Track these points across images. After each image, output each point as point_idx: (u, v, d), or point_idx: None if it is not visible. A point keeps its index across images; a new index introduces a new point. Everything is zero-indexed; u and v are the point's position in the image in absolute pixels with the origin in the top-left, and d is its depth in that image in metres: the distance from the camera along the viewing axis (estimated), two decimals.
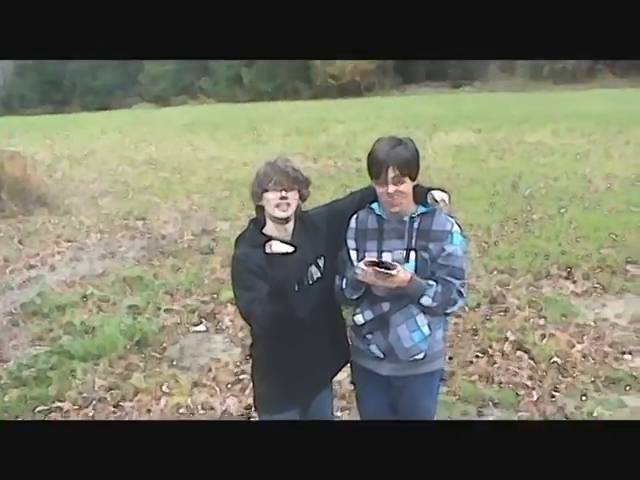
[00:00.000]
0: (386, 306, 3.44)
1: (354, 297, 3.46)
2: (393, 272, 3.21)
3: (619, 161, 14.64)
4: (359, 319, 3.53)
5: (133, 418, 5.42)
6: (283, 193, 3.38)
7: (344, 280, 3.47)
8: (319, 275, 3.55)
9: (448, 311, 3.50)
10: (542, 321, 6.84)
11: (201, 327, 7.05)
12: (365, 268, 3.24)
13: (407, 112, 22.02)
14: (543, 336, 6.45)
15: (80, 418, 5.42)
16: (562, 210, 10.90)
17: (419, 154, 3.40)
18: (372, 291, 3.42)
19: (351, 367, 3.81)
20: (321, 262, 3.56)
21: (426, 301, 3.35)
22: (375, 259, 3.31)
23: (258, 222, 3.56)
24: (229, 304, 7.41)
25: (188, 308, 7.44)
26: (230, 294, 7.61)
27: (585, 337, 6.47)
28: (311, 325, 3.49)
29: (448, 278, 3.38)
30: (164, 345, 6.62)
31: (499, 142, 17.12)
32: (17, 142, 17.70)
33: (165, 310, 7.38)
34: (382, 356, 3.51)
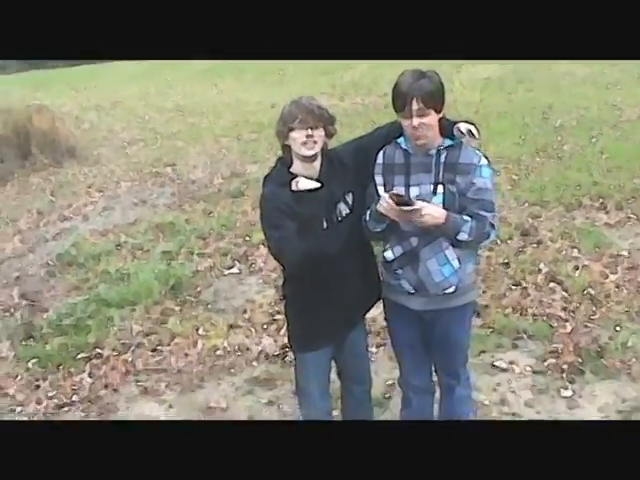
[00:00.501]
0: (415, 241, 3.45)
1: (377, 230, 3.47)
2: (416, 206, 3.20)
3: None
4: (389, 255, 3.54)
5: (171, 362, 5.53)
6: (309, 131, 3.38)
7: (368, 212, 3.48)
8: (348, 211, 3.56)
9: (481, 244, 3.51)
10: (575, 252, 6.81)
11: (234, 269, 7.11)
12: (388, 201, 3.24)
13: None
14: (576, 267, 6.43)
15: (120, 364, 5.53)
16: (593, 140, 10.74)
17: (444, 86, 3.37)
18: (400, 227, 3.42)
19: (383, 303, 3.84)
20: (349, 198, 3.57)
21: (462, 236, 3.36)
22: (395, 192, 3.29)
23: (285, 161, 3.56)
24: (261, 246, 7.43)
25: (221, 251, 7.49)
26: (262, 236, 7.65)
27: (619, 267, 6.44)
28: (342, 261, 3.51)
29: (480, 212, 3.38)
30: (198, 289, 6.70)
31: (527, 73, 16.82)
32: (43, 96, 17.71)
33: (198, 254, 7.44)
34: (413, 291, 3.53)
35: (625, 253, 6.75)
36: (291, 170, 3.51)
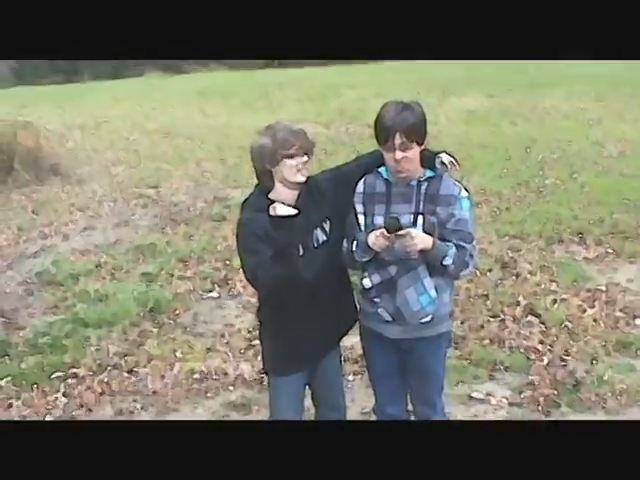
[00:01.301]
0: (393, 270, 3.46)
1: (364, 259, 3.47)
2: (411, 232, 3.22)
3: (633, 125, 14.51)
4: (367, 283, 3.55)
5: (148, 384, 5.49)
6: (305, 158, 3.44)
7: (354, 243, 3.48)
8: (325, 238, 3.58)
9: (461, 274, 3.52)
10: (554, 286, 6.86)
11: (214, 293, 7.10)
12: (381, 232, 3.26)
13: (419, 76, 21.85)
14: (554, 301, 6.47)
15: (95, 384, 5.49)
16: (574, 175, 10.85)
17: (426, 118, 3.40)
18: (380, 255, 3.44)
19: (360, 331, 3.85)
20: (327, 226, 3.59)
21: (447, 261, 3.37)
22: (391, 216, 3.31)
23: (263, 187, 3.56)
24: (241, 270, 7.43)
25: (201, 275, 7.49)
26: None
27: (596, 302, 6.48)
28: (317, 288, 3.51)
29: (459, 243, 3.41)
30: (177, 312, 6.68)
31: (511, 107, 16.99)
32: (29, 112, 17.70)
33: (178, 277, 7.43)
34: (390, 319, 3.55)
35: (603, 288, 6.79)
36: (270, 196, 3.52)
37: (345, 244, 3.57)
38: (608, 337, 5.87)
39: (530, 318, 6.21)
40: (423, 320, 3.52)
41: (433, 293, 3.48)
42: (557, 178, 10.74)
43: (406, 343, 3.63)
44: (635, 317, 6.24)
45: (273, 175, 3.50)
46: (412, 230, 3.27)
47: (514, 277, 7.10)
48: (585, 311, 6.30)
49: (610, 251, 7.77)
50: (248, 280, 3.63)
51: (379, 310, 3.56)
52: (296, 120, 16.32)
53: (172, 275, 7.47)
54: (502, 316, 6.26)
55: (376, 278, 3.52)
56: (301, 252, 3.49)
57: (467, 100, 17.45)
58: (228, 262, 7.76)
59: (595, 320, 6.14)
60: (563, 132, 14.10)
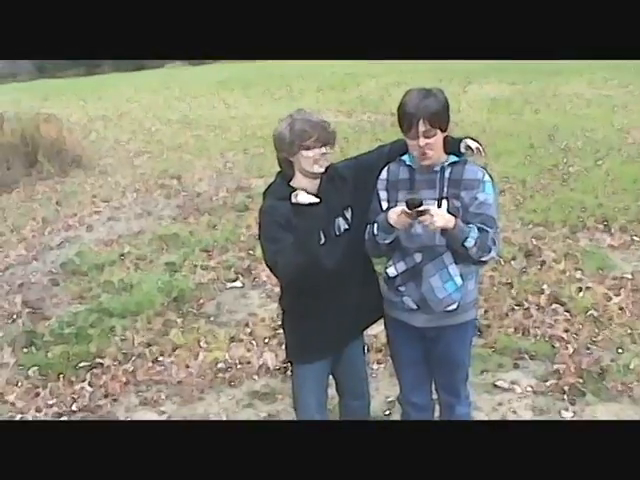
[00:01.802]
0: (418, 257, 3.45)
1: (386, 241, 3.44)
2: (430, 210, 3.21)
3: None
4: (392, 271, 3.54)
5: (172, 373, 5.52)
6: (324, 150, 3.41)
7: (375, 225, 3.45)
8: (346, 227, 3.58)
9: (483, 259, 3.49)
10: (578, 274, 6.81)
11: (237, 283, 7.11)
12: (402, 209, 3.24)
13: (439, 65, 21.75)
14: (579, 289, 6.43)
15: (120, 374, 5.53)
16: (599, 162, 10.76)
17: (449, 105, 3.38)
18: (404, 243, 3.43)
19: (385, 320, 3.84)
20: (348, 214, 3.59)
21: (469, 243, 3.33)
22: (410, 197, 3.29)
23: (285, 175, 3.56)
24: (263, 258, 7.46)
25: (224, 264, 7.50)
26: None
27: (622, 290, 6.43)
28: (339, 276, 3.52)
29: (482, 226, 3.39)
30: (201, 301, 6.70)
31: (534, 94, 16.87)
32: (51, 104, 17.79)
33: (201, 267, 7.45)
34: (416, 307, 3.53)
35: (629, 275, 6.74)
36: (291, 184, 3.51)
37: (369, 229, 3.53)
38: (634, 325, 5.83)
39: (555, 306, 6.17)
40: (449, 308, 3.51)
41: (459, 280, 3.46)
42: (581, 165, 10.66)
43: (431, 331, 3.62)
44: None
45: (293, 164, 3.50)
46: (432, 208, 3.26)
47: (538, 265, 7.05)
48: (610, 299, 6.26)
49: (636, 238, 7.71)
50: (268, 267, 3.60)
51: (404, 298, 3.55)
52: (317, 109, 16.35)
53: (195, 265, 7.49)
54: (527, 304, 6.23)
55: (401, 266, 3.51)
56: (322, 240, 3.48)
57: (489, 88, 17.37)
58: (251, 252, 7.77)
59: (621, 308, 6.10)
60: (586, 119, 13.99)
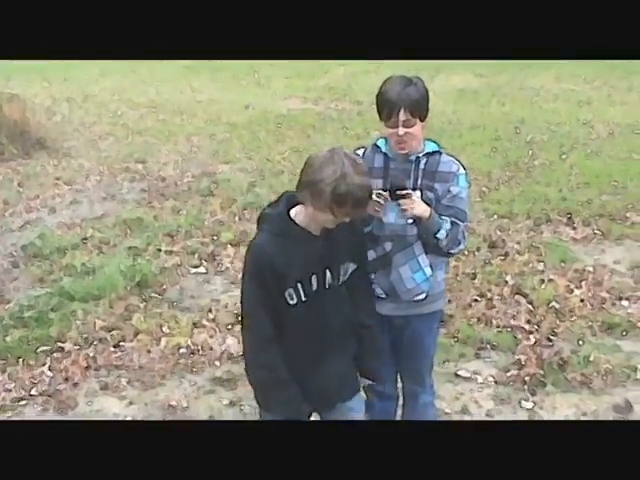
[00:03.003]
0: (389, 246, 3.45)
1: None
2: (412, 194, 3.23)
3: (621, 108, 14.53)
4: None
5: (134, 358, 5.48)
6: (347, 220, 3.00)
7: None
8: (339, 279, 3.18)
9: (452, 251, 3.51)
10: (541, 266, 6.88)
11: (201, 268, 7.07)
12: (381, 193, 3.24)
13: None
14: (542, 281, 6.49)
15: (81, 358, 5.47)
16: (563, 156, 10.85)
17: (428, 94, 3.37)
18: (375, 231, 3.43)
19: None
20: (344, 267, 3.18)
21: (441, 235, 3.36)
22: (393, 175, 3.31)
23: (290, 201, 3.10)
24: (229, 245, 7.45)
25: (188, 250, 7.45)
26: (230, 235, 7.65)
27: (583, 282, 6.51)
28: (323, 337, 3.19)
29: (453, 219, 3.40)
30: (164, 286, 6.65)
31: (501, 87, 16.96)
32: (15, 85, 17.52)
33: (165, 252, 7.39)
34: (384, 296, 3.53)
35: (590, 268, 6.82)
36: (293, 217, 3.06)
37: None
38: (594, 317, 5.91)
39: (517, 297, 6.22)
40: (417, 298, 3.52)
41: (428, 271, 3.47)
42: (546, 159, 10.74)
43: (399, 320, 3.62)
44: (621, 298, 6.28)
45: (308, 204, 2.99)
46: (415, 193, 3.27)
47: (502, 256, 7.11)
48: (572, 291, 6.32)
49: (598, 232, 7.80)
50: (246, 368, 3.27)
51: (374, 287, 3.55)
52: (284, 96, 16.29)
53: (159, 250, 7.43)
54: (489, 295, 6.27)
55: (371, 254, 3.49)
56: (303, 297, 3.08)
57: (456, 79, 17.41)
58: (215, 237, 7.74)
59: (582, 300, 6.17)
60: (552, 113, 14.09)
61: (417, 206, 3.25)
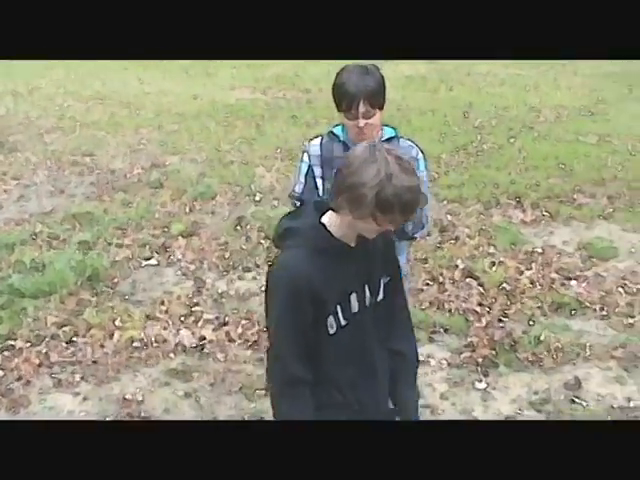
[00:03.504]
0: None
1: None
2: None
3: (567, 92, 14.72)
4: None
5: (87, 353, 5.43)
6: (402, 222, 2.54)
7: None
8: (378, 297, 2.78)
9: (416, 235, 3.53)
10: (492, 249, 6.97)
11: (152, 261, 7.03)
12: None
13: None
14: (492, 263, 6.58)
15: (33, 356, 5.41)
16: (512, 140, 10.98)
17: (385, 81, 3.36)
18: None
19: None
20: (383, 280, 2.81)
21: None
22: None
23: (318, 210, 2.70)
24: (180, 237, 7.42)
25: (139, 242, 7.39)
26: (181, 227, 7.61)
27: (533, 264, 6.62)
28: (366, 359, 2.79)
29: None
30: (116, 280, 6.60)
31: (449, 73, 17.07)
32: None
33: (116, 245, 7.33)
34: None
35: (539, 250, 6.93)
36: (329, 228, 2.61)
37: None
38: (544, 298, 6.01)
39: (469, 281, 6.30)
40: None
41: None
42: (494, 143, 10.85)
43: None
44: (570, 278, 6.38)
45: (344, 212, 2.52)
46: None
47: (453, 241, 7.18)
48: (522, 273, 6.42)
49: (546, 214, 7.92)
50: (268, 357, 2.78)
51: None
52: (232, 86, 16.20)
53: (110, 243, 7.37)
54: (441, 279, 6.34)
55: None
56: (343, 322, 2.65)
57: (404, 66, 17.45)
58: (166, 229, 7.69)
59: (532, 282, 6.27)
60: (500, 97, 14.22)
61: None
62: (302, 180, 3.54)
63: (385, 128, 3.47)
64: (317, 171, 3.49)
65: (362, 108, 3.23)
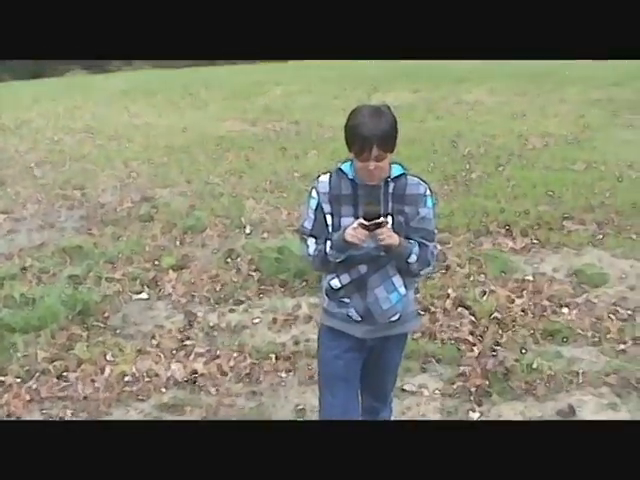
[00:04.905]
0: (363, 268, 3.44)
1: (339, 260, 3.40)
2: (385, 220, 3.20)
3: (554, 120, 14.84)
4: (335, 283, 3.51)
5: (78, 389, 5.39)
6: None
7: (327, 243, 3.39)
8: None
9: (422, 272, 3.53)
10: (482, 277, 6.97)
11: (143, 295, 7.01)
12: (360, 222, 3.19)
13: (342, 72, 21.93)
14: (483, 292, 6.57)
15: (23, 392, 5.37)
16: (500, 168, 11.04)
17: (397, 122, 3.34)
18: (349, 255, 3.40)
19: (320, 331, 3.76)
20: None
21: (412, 259, 3.37)
22: (367, 209, 3.25)
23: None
24: (170, 270, 7.39)
25: (129, 276, 7.37)
26: (171, 261, 7.60)
27: (524, 292, 6.62)
28: None
29: (422, 241, 3.41)
30: (106, 314, 6.56)
31: (437, 102, 17.19)
32: None
33: (106, 279, 7.29)
34: (359, 319, 3.51)
35: (530, 277, 6.94)
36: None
37: (314, 245, 3.47)
38: (536, 326, 6.01)
39: (460, 310, 6.29)
40: (392, 318, 3.52)
41: (402, 290, 3.49)
42: (483, 171, 10.91)
43: (372, 341, 3.61)
44: (561, 305, 6.38)
45: None
46: (386, 219, 3.25)
47: (443, 270, 7.18)
48: (513, 301, 6.42)
49: (536, 242, 7.94)
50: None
51: (349, 310, 3.52)
52: (222, 118, 16.25)
53: (100, 277, 7.33)
54: (432, 309, 6.33)
55: (345, 278, 3.48)
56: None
57: (392, 95, 17.56)
58: (157, 263, 7.67)
59: (523, 310, 6.27)
60: (488, 126, 14.32)
61: (388, 234, 3.23)
62: (312, 215, 3.51)
63: (393, 166, 3.45)
64: (326, 208, 3.46)
65: (375, 152, 3.20)
